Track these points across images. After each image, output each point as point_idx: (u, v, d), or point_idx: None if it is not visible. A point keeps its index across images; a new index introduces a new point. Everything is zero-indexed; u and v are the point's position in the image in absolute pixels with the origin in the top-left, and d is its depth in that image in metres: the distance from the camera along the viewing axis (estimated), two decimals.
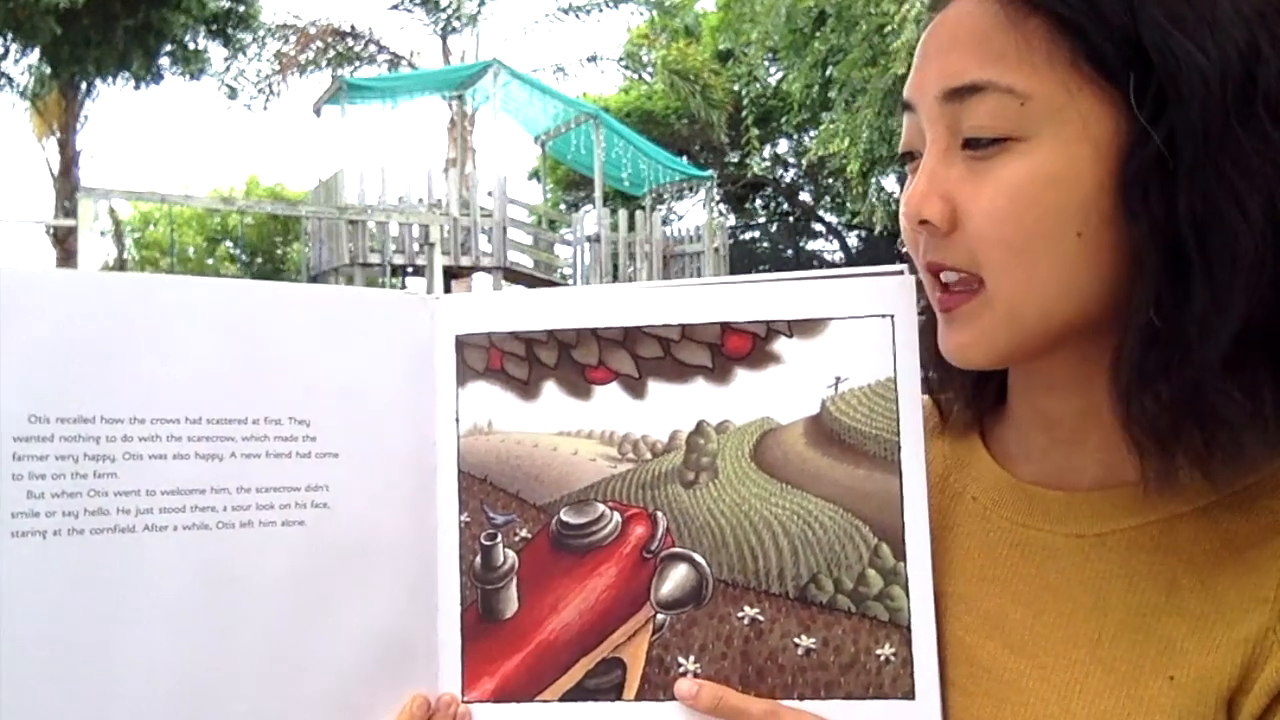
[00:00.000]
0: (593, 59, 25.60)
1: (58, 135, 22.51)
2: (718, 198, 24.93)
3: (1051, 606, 0.96)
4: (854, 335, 1.06)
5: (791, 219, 30.13)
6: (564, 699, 1.07)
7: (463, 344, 1.13)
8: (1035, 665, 0.95)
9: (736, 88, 19.86)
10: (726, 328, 1.09)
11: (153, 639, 0.98)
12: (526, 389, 1.12)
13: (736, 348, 1.08)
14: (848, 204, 22.00)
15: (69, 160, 22.55)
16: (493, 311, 1.14)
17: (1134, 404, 0.86)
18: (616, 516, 1.09)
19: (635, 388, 1.10)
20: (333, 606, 1.06)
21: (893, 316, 1.05)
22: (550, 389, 1.11)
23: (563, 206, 27.14)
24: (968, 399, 1.13)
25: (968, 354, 0.96)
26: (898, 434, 1.04)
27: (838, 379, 1.06)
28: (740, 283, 1.10)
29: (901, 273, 1.04)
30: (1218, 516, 0.91)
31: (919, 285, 1.03)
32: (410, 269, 17.44)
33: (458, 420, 1.12)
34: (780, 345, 1.08)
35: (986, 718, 0.96)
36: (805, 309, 1.07)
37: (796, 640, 1.04)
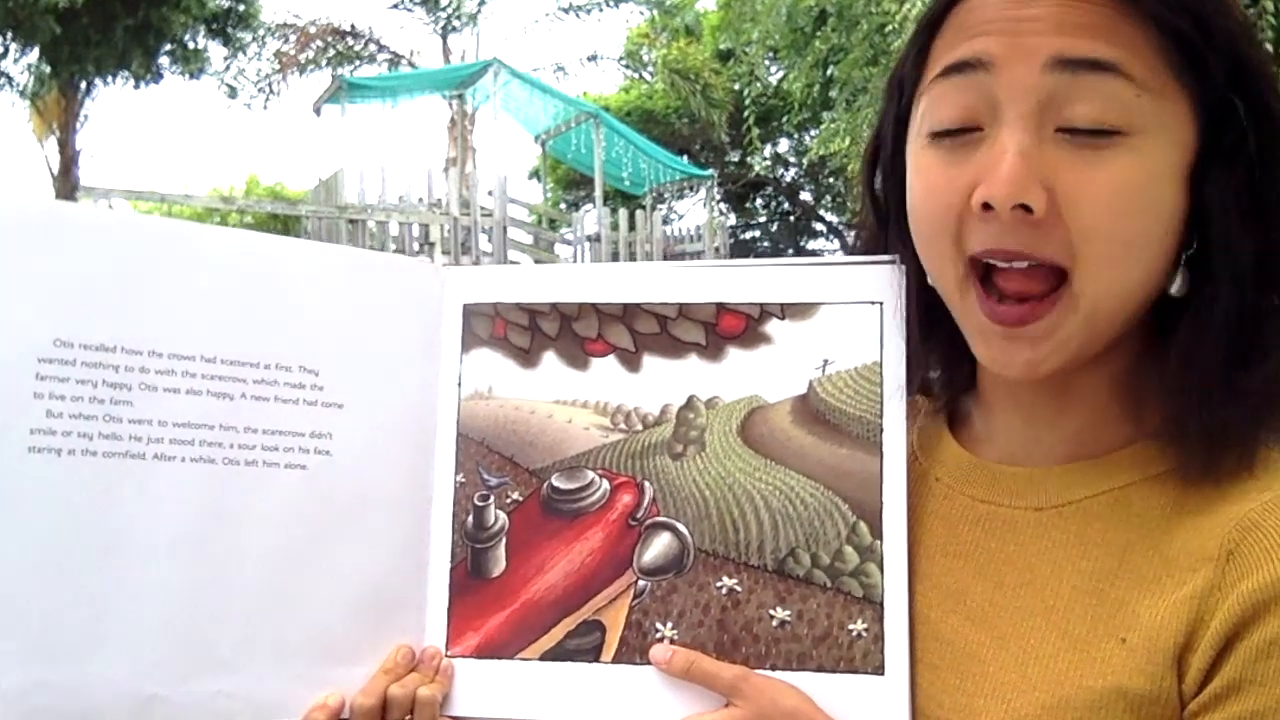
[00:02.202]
0: (593, 58, 25.60)
1: (57, 134, 22.48)
2: (718, 197, 24.90)
3: (1010, 578, 1.01)
4: (843, 320, 1.13)
5: (792, 218, 30.07)
6: (544, 658, 1.12)
7: (469, 312, 1.20)
8: (994, 636, 0.99)
9: (737, 87, 19.81)
10: (721, 308, 1.15)
11: (153, 561, 1.06)
12: (527, 357, 1.18)
13: (730, 327, 1.15)
14: (849, 203, 21.98)
15: (68, 160, 22.51)
16: (500, 282, 1.21)
17: (1215, 393, 0.92)
18: (605, 484, 1.15)
19: (631, 361, 1.16)
20: (327, 551, 1.12)
21: (881, 304, 1.11)
22: (550, 359, 1.18)
23: (563, 206, 27.09)
24: (941, 385, 1.17)
25: (1039, 369, 0.96)
26: (881, 416, 1.10)
27: (825, 361, 1.12)
28: (736, 265, 1.17)
29: (893, 261, 1.11)
30: (1167, 483, 0.96)
31: (910, 274, 1.08)
32: None
33: (460, 384, 1.19)
34: (772, 326, 1.14)
35: (950, 690, 1.01)
36: (798, 293, 1.14)
37: (772, 612, 1.09)
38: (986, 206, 0.91)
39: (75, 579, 1.03)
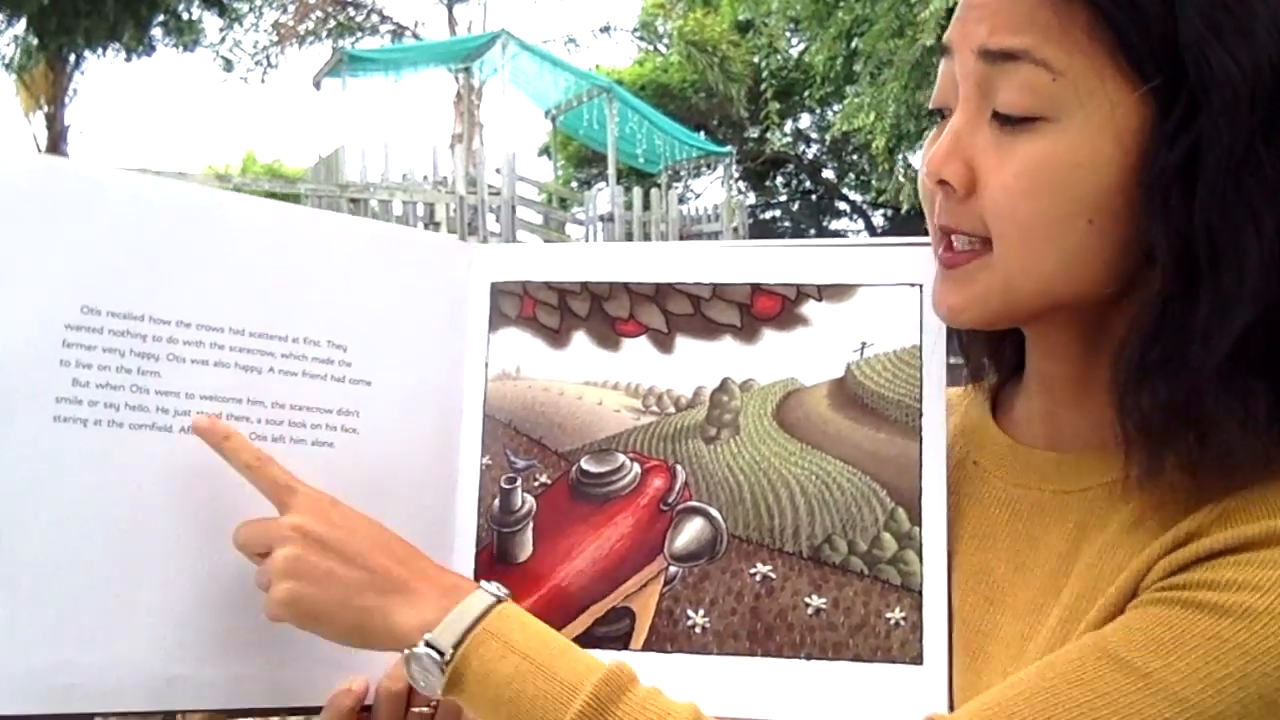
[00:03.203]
0: (606, 30, 25.61)
1: (45, 109, 22.52)
2: (736, 175, 24.88)
3: (1031, 559, 1.04)
4: (882, 302, 1.15)
5: (814, 197, 30.02)
6: None
7: (497, 290, 1.22)
8: (1009, 615, 1.03)
9: (756, 60, 19.78)
10: (757, 289, 1.17)
11: (176, 538, 1.08)
12: (557, 337, 1.20)
13: (766, 308, 1.17)
14: (873, 181, 21.93)
15: (57, 135, 22.55)
16: (529, 261, 1.23)
17: (1129, 398, 0.94)
18: (636, 467, 1.17)
19: (663, 342, 1.18)
20: None
21: (921, 286, 1.13)
22: (580, 339, 1.20)
23: (574, 184, 27.07)
24: (985, 366, 1.20)
25: (959, 315, 1.03)
26: (920, 400, 1.12)
27: (863, 344, 1.14)
28: (772, 246, 1.20)
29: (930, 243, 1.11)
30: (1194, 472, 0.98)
31: None
32: None
33: (487, 364, 1.21)
34: (809, 308, 1.16)
35: (962, 669, 1.05)
36: (835, 274, 1.16)
37: (807, 600, 1.11)
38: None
39: (97, 555, 1.04)
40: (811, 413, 1.14)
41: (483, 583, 1.01)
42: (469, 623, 0.96)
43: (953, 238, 1.01)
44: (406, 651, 0.97)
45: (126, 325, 1.06)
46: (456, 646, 0.95)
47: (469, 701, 0.96)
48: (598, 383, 1.18)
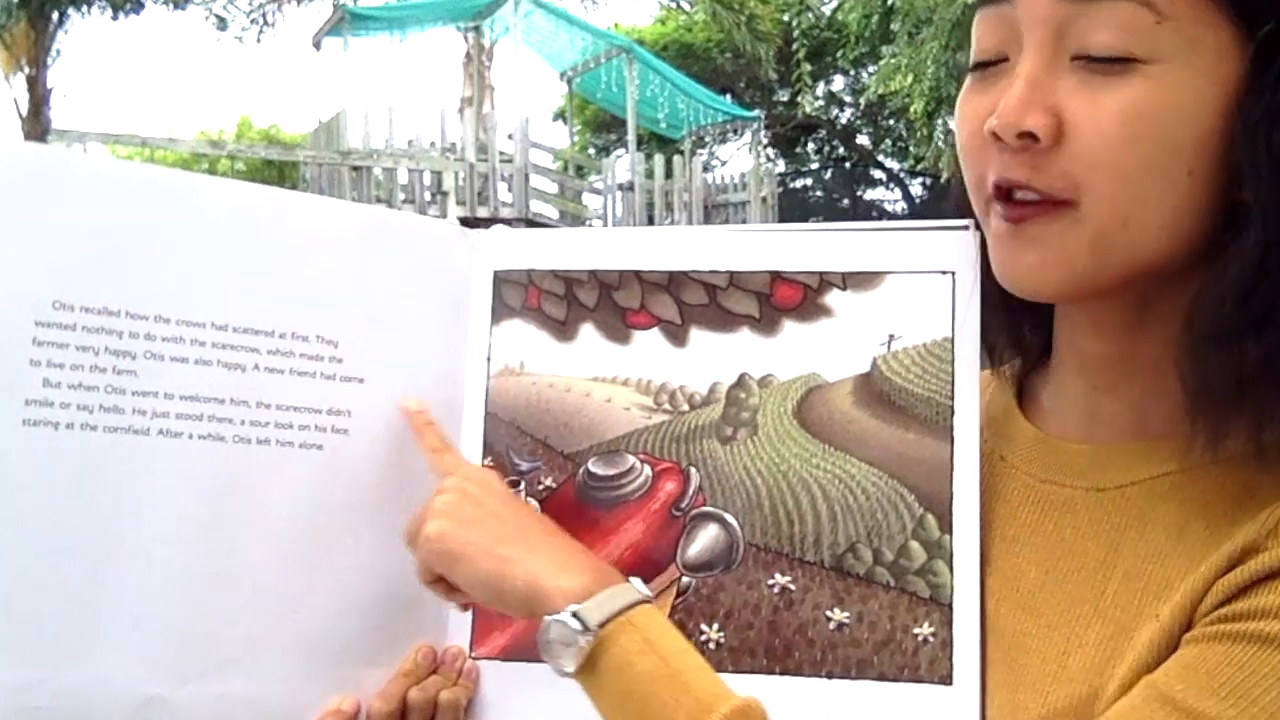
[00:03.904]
0: None
1: (26, 71, 22.49)
2: (765, 141, 24.75)
3: (1064, 563, 1.02)
4: (911, 291, 1.13)
5: (848, 165, 29.91)
6: None
7: (501, 280, 1.21)
8: (1042, 624, 1.00)
9: (786, 18, 19.73)
10: (777, 277, 1.15)
11: (154, 549, 1.07)
12: (563, 330, 1.19)
13: (786, 298, 1.15)
14: (911, 148, 21.81)
15: (39, 99, 22.55)
16: (534, 248, 1.22)
17: (1211, 359, 0.92)
18: (647, 470, 1.16)
19: (677, 335, 1.17)
20: (342, 540, 1.14)
21: (954, 273, 1.11)
22: (588, 331, 1.19)
23: (592, 151, 27.04)
24: (1013, 351, 1.18)
25: (1040, 276, 0.98)
26: (952, 398, 1.10)
27: (891, 336, 1.13)
28: (794, 230, 1.17)
29: (966, 228, 1.10)
30: (1240, 467, 0.96)
31: (983, 241, 1.07)
32: None
33: (489, 359, 1.20)
34: (832, 298, 1.14)
35: (999, 685, 1.02)
36: (861, 261, 1.14)
37: (829, 613, 1.09)
38: (996, 135, 0.95)
39: (71, 567, 1.03)
40: (835, 411, 1.12)
41: (633, 579, 1.01)
42: (620, 606, 0.96)
43: (1017, 193, 0.97)
44: (547, 618, 0.96)
45: (101, 321, 1.05)
46: (603, 625, 0.95)
47: (598, 688, 0.96)
48: (606, 378, 1.17)
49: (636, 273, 1.18)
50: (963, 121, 1.01)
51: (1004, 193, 0.98)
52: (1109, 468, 1.03)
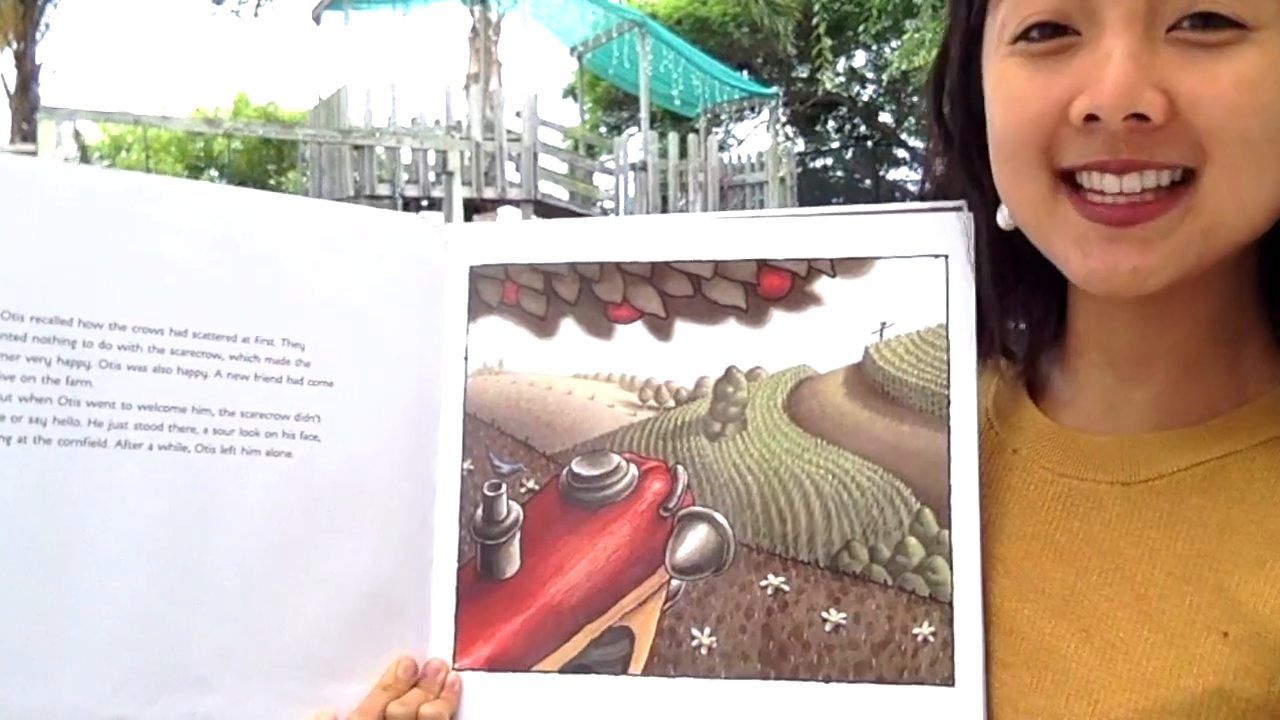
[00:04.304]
0: None
1: (14, 46, 22.55)
2: (783, 119, 24.75)
3: (1095, 563, 1.01)
4: (903, 276, 1.11)
5: (870, 144, 29.86)
6: (565, 670, 1.12)
7: (477, 275, 1.20)
8: (1077, 628, 0.99)
9: None
10: (763, 265, 1.14)
11: (116, 565, 1.05)
12: (543, 326, 1.18)
13: (773, 287, 1.14)
14: None
15: (27, 75, 22.60)
16: (511, 242, 1.21)
17: None
18: (633, 469, 1.14)
19: (661, 328, 1.16)
20: (315, 550, 1.12)
21: (947, 257, 1.10)
22: (568, 327, 1.17)
23: (603, 129, 27.04)
24: (1020, 344, 1.16)
25: (1143, 279, 0.94)
26: (948, 387, 1.09)
27: (883, 324, 1.11)
28: (779, 216, 1.16)
29: (959, 208, 1.09)
30: (1274, 452, 0.96)
31: (981, 222, 1.07)
32: (425, 202, 17.30)
33: (466, 358, 1.19)
34: (821, 286, 1.13)
35: (1027, 690, 1.00)
36: (850, 246, 1.13)
37: (825, 615, 1.08)
38: (1091, 119, 0.91)
39: (27, 586, 1.02)
40: (827, 403, 1.11)
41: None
42: None
43: (1108, 189, 0.93)
44: None
45: (53, 330, 1.04)
46: None
47: None
48: (589, 375, 1.16)
49: (618, 264, 1.17)
50: (1018, 102, 0.97)
51: (1073, 181, 0.95)
52: (1134, 460, 1.02)
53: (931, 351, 1.10)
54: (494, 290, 1.19)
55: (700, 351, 1.14)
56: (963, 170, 1.09)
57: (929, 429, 1.09)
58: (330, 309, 1.15)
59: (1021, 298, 1.10)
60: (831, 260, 1.13)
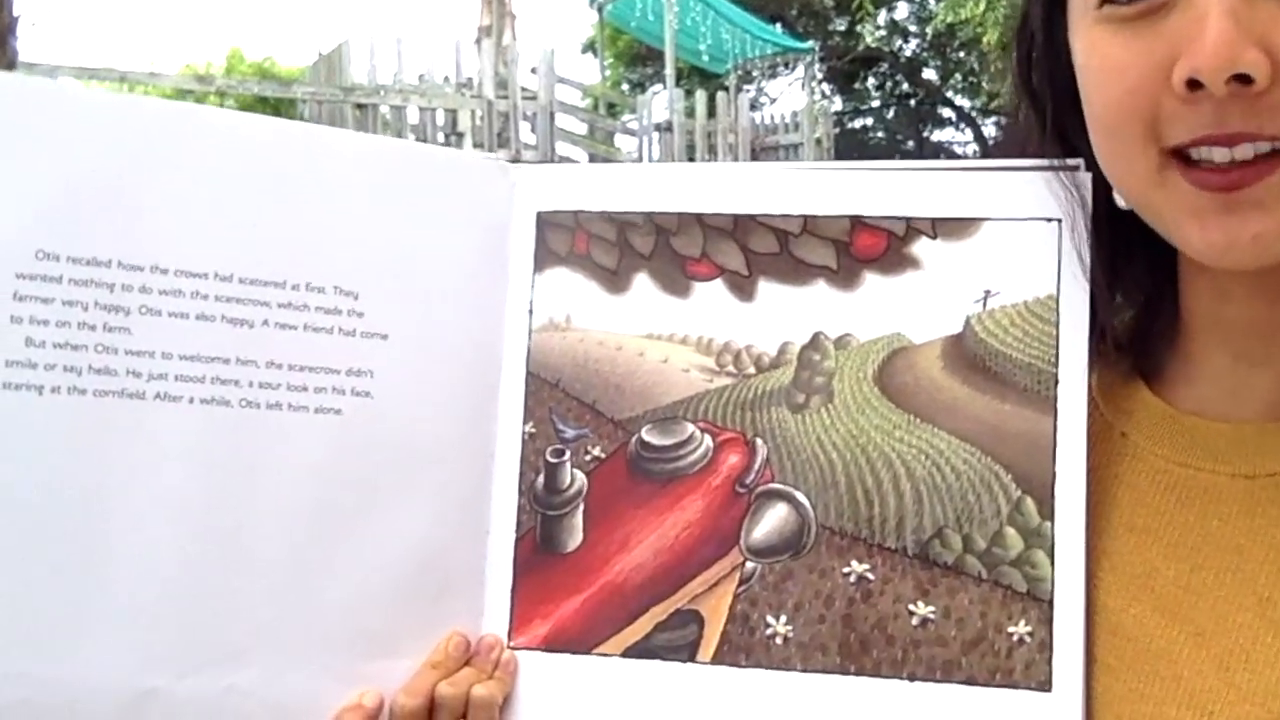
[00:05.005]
0: None
1: None
2: (820, 76, 24.73)
3: (1211, 560, 0.99)
4: (1012, 241, 1.09)
5: (912, 102, 29.84)
6: (628, 654, 1.11)
7: (545, 222, 1.18)
8: (1190, 631, 0.97)
9: None
10: (857, 222, 1.12)
11: (150, 527, 1.04)
12: (614, 280, 1.16)
13: (868, 247, 1.12)
14: (983, 84, 21.76)
15: (3, 28, 22.60)
16: (582, 187, 1.19)
17: None
18: (708, 440, 1.13)
19: (742, 287, 1.14)
20: (363, 516, 1.11)
21: (1060, 221, 1.07)
22: (642, 282, 1.16)
23: (625, 87, 27.07)
24: (1136, 317, 1.14)
25: (1271, 248, 0.93)
26: (1056, 364, 1.06)
27: (987, 293, 1.09)
28: (877, 169, 1.13)
29: (1077, 167, 1.05)
30: None
31: (1096, 185, 1.04)
32: None
33: (531, 312, 1.17)
34: (921, 247, 1.10)
35: (1130, 695, 0.99)
36: (954, 205, 1.10)
37: (912, 607, 1.07)
38: (1193, 85, 0.89)
39: (55, 548, 1.01)
40: (922, 377, 1.10)
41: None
42: None
43: (1216, 155, 0.92)
44: None
45: (90, 273, 1.03)
46: None
47: None
48: (663, 336, 1.15)
49: (698, 216, 1.15)
50: (1115, 74, 0.95)
51: (1184, 156, 0.93)
52: (1257, 450, 1.00)
53: (1039, 325, 1.07)
54: (563, 239, 1.17)
55: (785, 315, 1.12)
56: (1057, 143, 1.06)
57: (1033, 410, 1.06)
58: (387, 256, 1.13)
59: (1134, 274, 1.09)
60: (933, 220, 1.10)
